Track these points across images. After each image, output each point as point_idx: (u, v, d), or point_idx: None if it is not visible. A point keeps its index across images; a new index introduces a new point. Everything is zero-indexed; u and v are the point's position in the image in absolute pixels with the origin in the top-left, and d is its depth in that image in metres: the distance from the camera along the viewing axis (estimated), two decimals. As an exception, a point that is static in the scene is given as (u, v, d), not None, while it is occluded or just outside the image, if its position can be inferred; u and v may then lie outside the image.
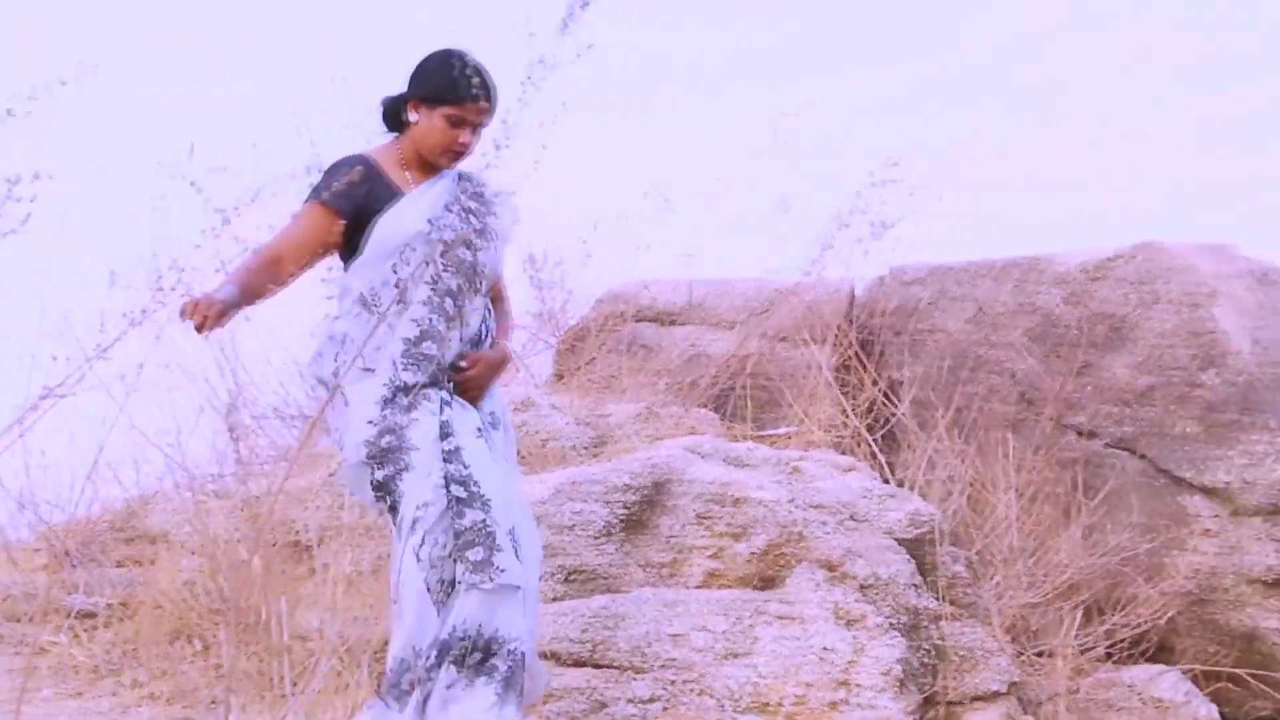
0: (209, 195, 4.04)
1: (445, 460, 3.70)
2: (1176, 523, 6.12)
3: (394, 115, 3.93)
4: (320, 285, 4.09)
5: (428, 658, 3.67)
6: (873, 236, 6.65)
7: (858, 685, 4.83)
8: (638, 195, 6.97)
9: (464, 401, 3.84)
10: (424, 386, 3.76)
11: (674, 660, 4.76)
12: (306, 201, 3.82)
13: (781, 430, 6.53)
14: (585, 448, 6.00)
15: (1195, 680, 5.92)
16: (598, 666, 4.73)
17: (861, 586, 5.05)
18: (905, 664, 4.94)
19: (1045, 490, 6.16)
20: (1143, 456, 6.25)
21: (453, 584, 3.67)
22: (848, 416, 6.48)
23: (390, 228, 3.79)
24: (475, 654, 3.67)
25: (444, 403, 3.78)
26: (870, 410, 6.60)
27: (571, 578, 4.98)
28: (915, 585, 5.16)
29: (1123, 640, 5.85)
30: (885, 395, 6.62)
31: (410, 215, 3.81)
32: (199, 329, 3.45)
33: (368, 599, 4.95)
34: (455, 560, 3.66)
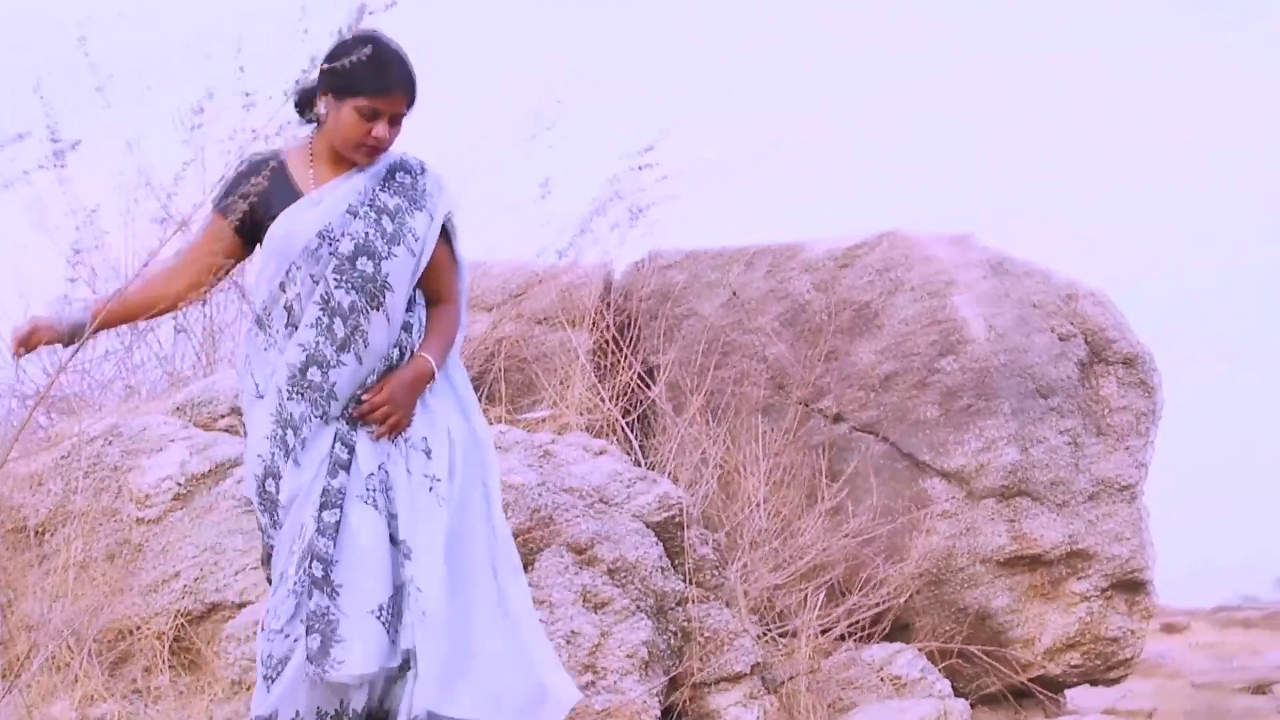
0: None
1: (319, 533, 3.45)
2: (917, 504, 6.30)
3: (309, 106, 3.64)
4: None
5: None
6: (630, 221, 6.67)
7: (604, 669, 4.85)
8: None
9: (367, 444, 3.51)
10: (313, 419, 3.49)
11: (419, 646, 4.70)
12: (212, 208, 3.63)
13: (540, 413, 6.52)
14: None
15: (931, 657, 6.10)
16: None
17: (610, 570, 5.07)
18: (651, 647, 4.98)
19: (793, 473, 6.27)
20: (886, 440, 6.41)
21: (285, 661, 3.46)
22: (602, 400, 6.50)
23: (277, 242, 3.52)
24: None
25: (336, 464, 3.49)
26: (626, 394, 6.63)
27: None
28: (663, 568, 5.21)
29: (863, 620, 6.00)
30: (641, 379, 6.65)
31: (299, 226, 3.52)
32: (15, 354, 3.59)
33: (100, 586, 4.77)
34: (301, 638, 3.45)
